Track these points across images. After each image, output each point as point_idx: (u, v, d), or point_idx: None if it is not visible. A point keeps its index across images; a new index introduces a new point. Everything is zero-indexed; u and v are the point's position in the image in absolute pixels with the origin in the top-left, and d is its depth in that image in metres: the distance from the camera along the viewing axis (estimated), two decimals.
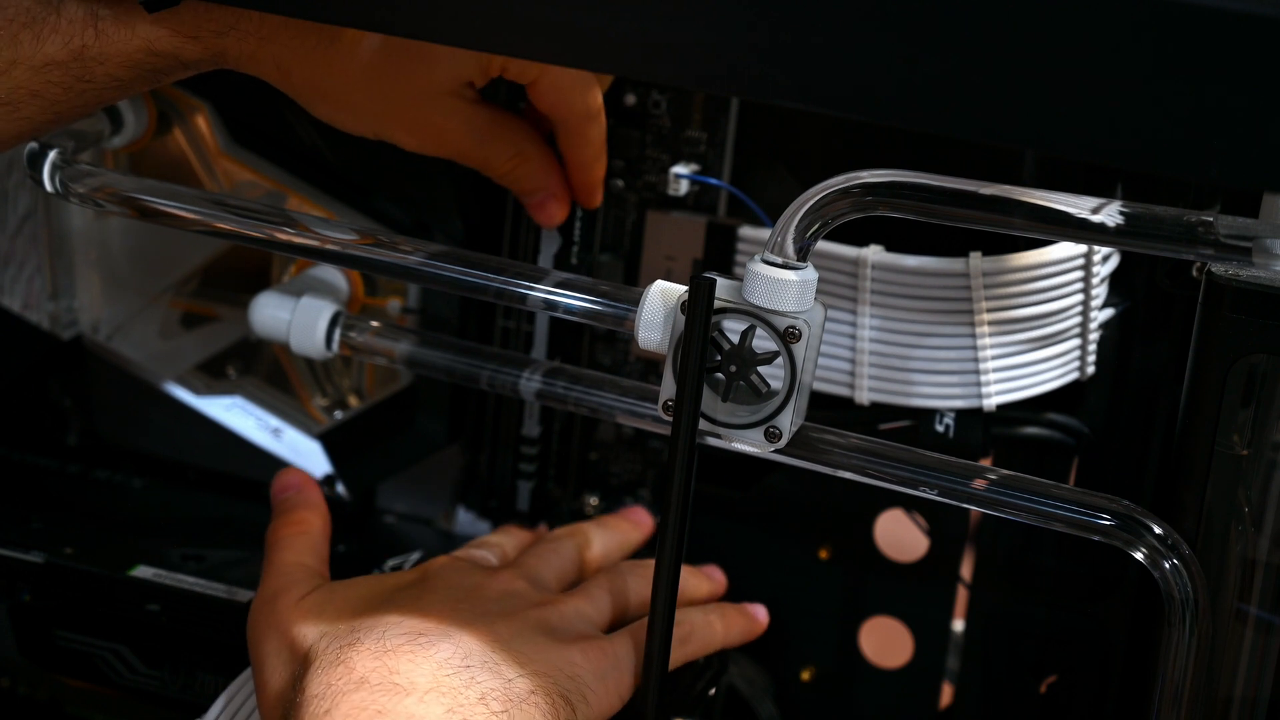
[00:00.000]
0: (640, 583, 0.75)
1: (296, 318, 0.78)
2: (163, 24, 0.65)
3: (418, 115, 0.73)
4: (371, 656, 0.62)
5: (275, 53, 0.69)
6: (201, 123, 0.85)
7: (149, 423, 0.91)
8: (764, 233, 0.78)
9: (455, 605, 0.68)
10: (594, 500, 0.86)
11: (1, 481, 0.91)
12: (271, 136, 0.84)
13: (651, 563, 0.67)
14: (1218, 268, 0.63)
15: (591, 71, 0.75)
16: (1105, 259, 0.75)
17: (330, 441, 0.89)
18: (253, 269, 0.88)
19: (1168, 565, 0.64)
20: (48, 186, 0.74)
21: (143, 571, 0.81)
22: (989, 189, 0.61)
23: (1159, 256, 0.75)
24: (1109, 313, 0.77)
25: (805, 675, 0.83)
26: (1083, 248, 0.74)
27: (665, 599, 0.66)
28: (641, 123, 0.81)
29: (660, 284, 0.66)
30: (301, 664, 0.65)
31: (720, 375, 0.65)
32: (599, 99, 0.76)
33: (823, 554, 0.82)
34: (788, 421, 0.65)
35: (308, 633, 0.66)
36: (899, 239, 0.74)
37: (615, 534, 0.81)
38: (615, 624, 0.74)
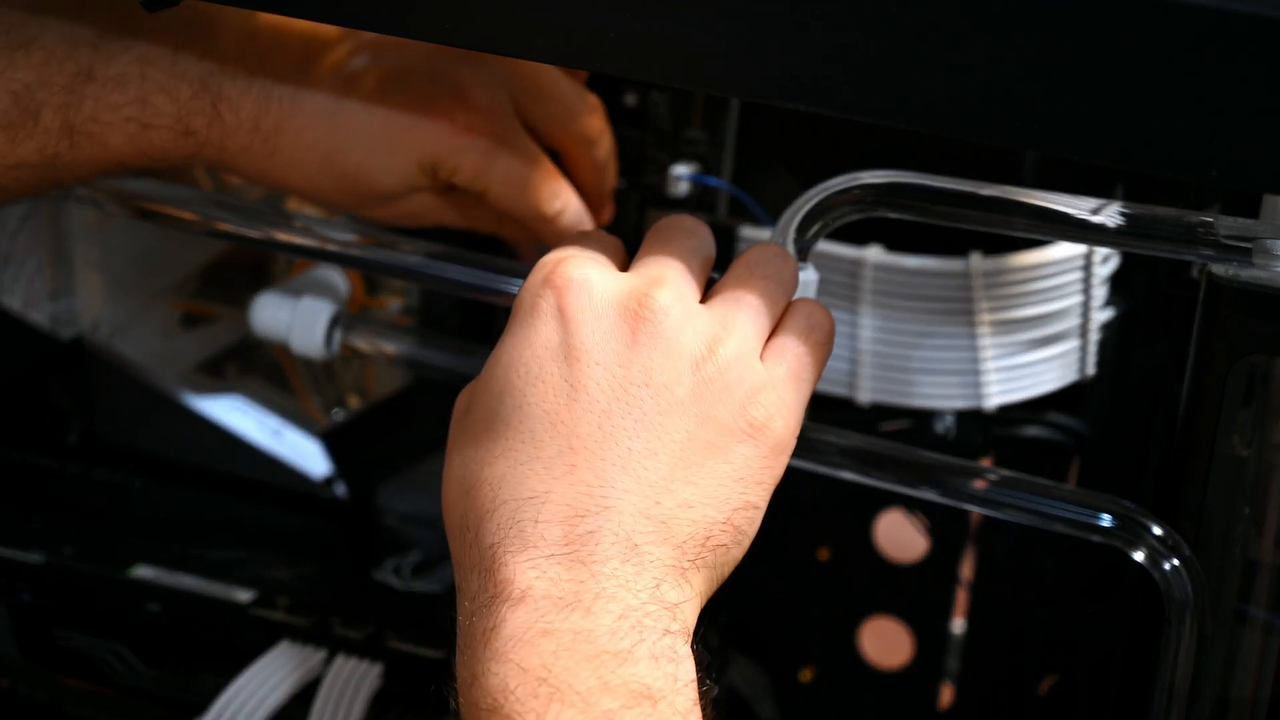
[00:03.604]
0: (766, 283, 0.61)
1: (296, 318, 0.78)
2: (133, 144, 0.68)
3: (383, 208, 0.74)
4: (530, 566, 0.54)
5: (231, 158, 0.71)
6: None
7: (149, 423, 0.91)
8: (764, 233, 0.78)
9: (605, 434, 0.56)
10: None
11: (1, 481, 0.91)
12: None
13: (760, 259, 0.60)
14: (1218, 268, 0.63)
15: (591, 71, 0.75)
16: (1105, 260, 0.75)
17: (330, 441, 0.89)
18: (253, 269, 0.88)
19: (1168, 566, 0.64)
20: None
21: (143, 571, 0.81)
22: (989, 189, 0.61)
23: (1159, 257, 0.75)
24: (1109, 313, 0.77)
25: (805, 675, 0.83)
26: (1083, 248, 0.74)
27: None
28: (641, 123, 0.81)
29: None
30: (465, 547, 0.57)
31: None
32: (594, 124, 0.75)
33: (823, 554, 0.82)
34: None
35: (462, 511, 0.57)
36: (899, 239, 0.74)
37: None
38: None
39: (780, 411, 0.58)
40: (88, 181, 0.71)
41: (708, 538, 0.56)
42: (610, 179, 0.78)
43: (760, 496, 0.57)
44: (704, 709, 0.54)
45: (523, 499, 0.55)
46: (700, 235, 0.62)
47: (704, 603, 0.56)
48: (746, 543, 0.58)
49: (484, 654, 0.53)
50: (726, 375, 0.57)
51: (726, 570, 0.57)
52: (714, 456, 0.56)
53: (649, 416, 0.56)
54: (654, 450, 0.56)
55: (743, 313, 0.58)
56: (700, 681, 0.54)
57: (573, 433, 0.56)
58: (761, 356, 0.59)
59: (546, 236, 0.74)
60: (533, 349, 0.57)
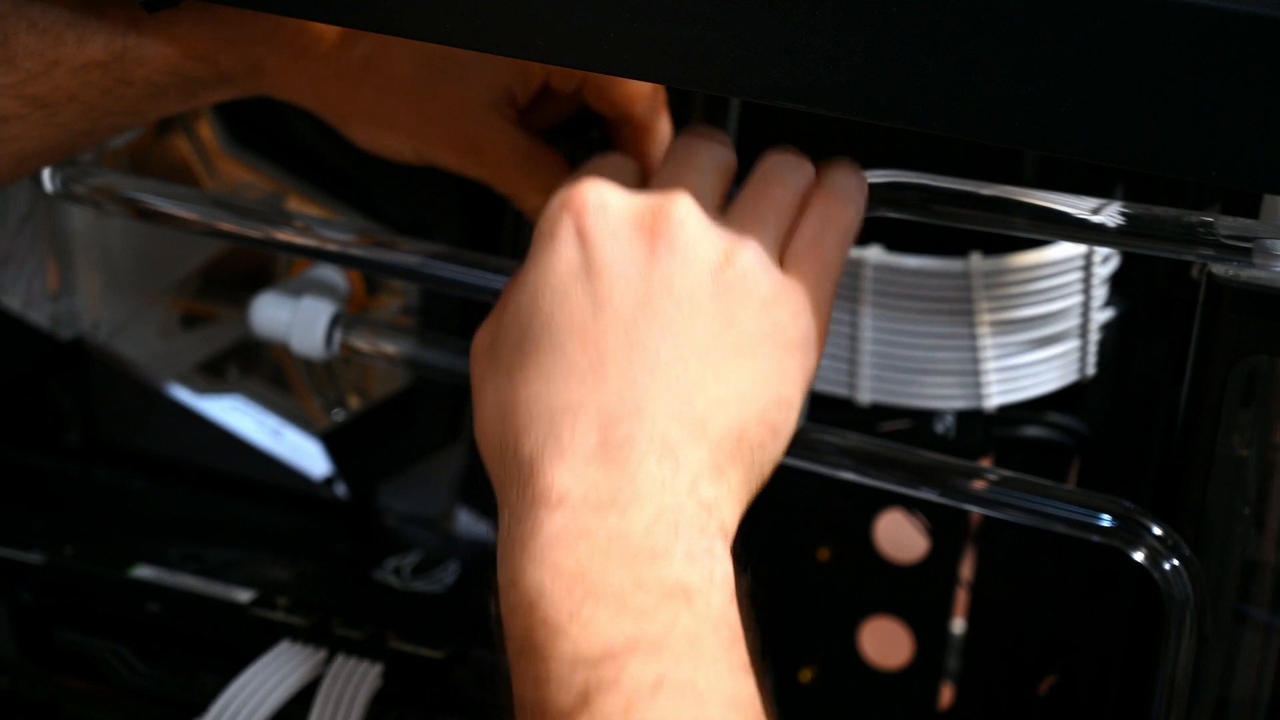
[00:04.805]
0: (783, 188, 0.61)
1: (296, 318, 0.78)
2: (201, 26, 0.65)
3: (457, 131, 0.72)
4: (567, 471, 0.55)
5: (309, 70, 0.69)
6: (202, 123, 0.85)
7: (149, 423, 0.91)
8: None
9: (632, 342, 0.57)
10: None
11: (1, 481, 0.91)
12: (271, 136, 0.84)
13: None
14: (1218, 268, 0.63)
15: (596, 73, 0.75)
16: (1106, 260, 0.75)
17: (330, 441, 0.89)
18: (253, 269, 0.88)
19: (1168, 566, 0.64)
20: (48, 186, 0.74)
21: (143, 571, 0.81)
22: (989, 189, 0.61)
23: (1159, 257, 0.75)
24: (1109, 313, 0.77)
25: (805, 675, 0.83)
26: (1083, 248, 0.74)
27: None
28: None
29: None
30: (502, 463, 0.58)
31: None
32: (662, 92, 0.74)
33: (823, 554, 0.82)
34: None
35: (498, 430, 0.58)
36: (899, 239, 0.74)
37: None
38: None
39: (803, 311, 0.59)
40: (161, 95, 0.67)
41: (742, 435, 0.57)
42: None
43: (793, 392, 0.58)
44: (740, 607, 0.55)
45: (558, 411, 0.56)
46: (718, 147, 0.62)
47: (744, 502, 0.57)
48: (783, 441, 0.59)
49: (521, 558, 0.54)
50: (746, 281, 0.58)
51: (766, 469, 0.58)
52: (741, 357, 0.57)
53: (674, 324, 0.57)
54: (682, 355, 0.57)
55: (759, 221, 0.59)
56: (738, 579, 0.55)
57: (601, 345, 0.57)
58: (781, 260, 0.60)
59: (652, 135, 0.74)
60: (555, 272, 0.58)
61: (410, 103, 0.71)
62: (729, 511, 0.56)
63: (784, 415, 0.58)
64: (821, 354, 0.60)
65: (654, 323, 0.57)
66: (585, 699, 0.51)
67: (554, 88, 0.72)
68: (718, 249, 0.58)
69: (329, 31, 0.68)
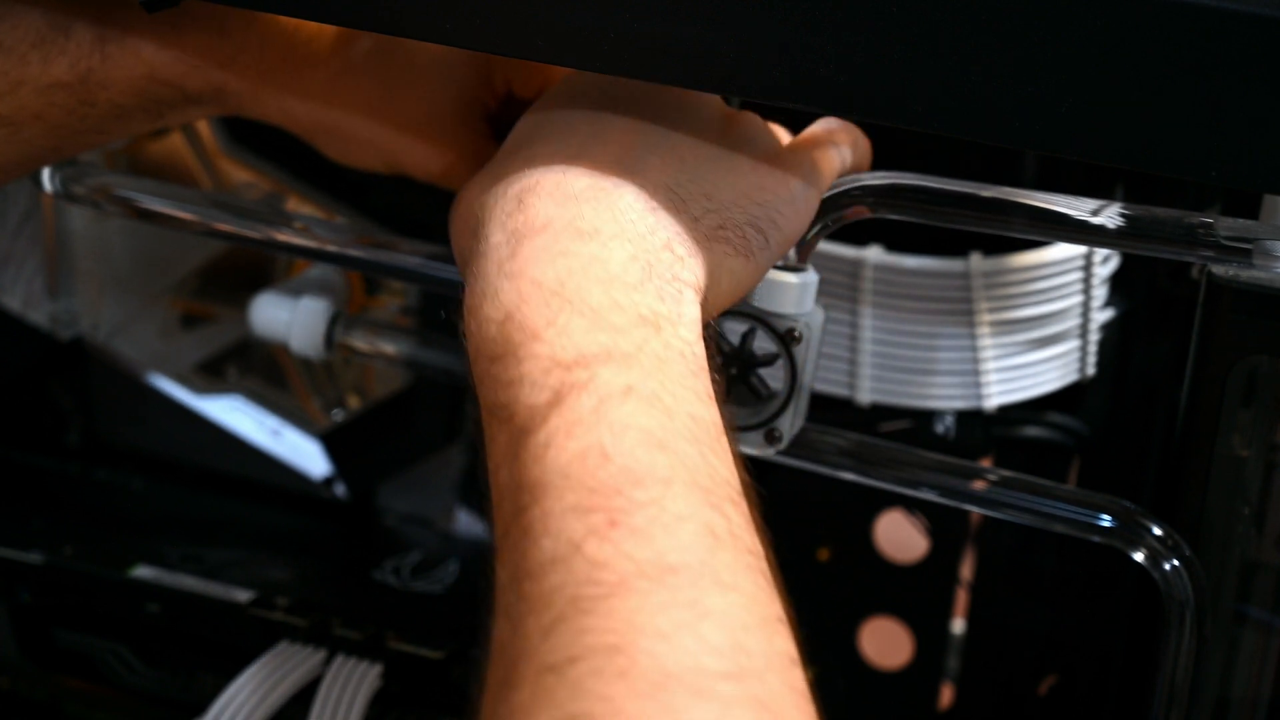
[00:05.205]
0: None
1: (296, 318, 0.78)
2: (166, 50, 0.66)
3: (425, 143, 0.73)
4: (554, 203, 0.58)
5: (274, 92, 0.69)
6: (201, 123, 0.85)
7: (149, 423, 0.91)
8: None
9: (635, 133, 0.61)
10: None
11: (1, 481, 0.91)
12: (271, 136, 0.84)
13: None
14: (1218, 269, 0.63)
15: (593, 72, 0.75)
16: (1105, 260, 0.75)
17: (330, 441, 0.89)
18: (253, 269, 0.88)
19: (1168, 566, 0.64)
20: (47, 187, 0.74)
21: (143, 571, 0.81)
22: (989, 191, 0.61)
23: (1159, 257, 0.75)
24: (1109, 314, 0.77)
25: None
26: (1083, 249, 0.74)
27: None
28: None
29: None
30: (478, 222, 0.61)
31: (720, 377, 0.65)
32: None
33: (823, 554, 0.82)
34: (788, 423, 0.65)
35: (484, 195, 0.61)
36: (899, 239, 0.74)
37: None
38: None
39: (802, 173, 0.63)
40: (126, 116, 0.68)
41: (720, 228, 0.59)
42: None
43: (770, 227, 0.61)
44: (710, 366, 0.56)
45: (553, 164, 0.59)
46: None
47: (707, 300, 0.59)
48: (755, 268, 0.61)
49: (498, 276, 0.56)
50: (752, 127, 0.63)
51: (727, 285, 0.60)
52: (735, 174, 0.61)
53: (678, 129, 0.61)
54: (680, 154, 0.60)
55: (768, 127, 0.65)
56: (708, 346, 0.57)
57: (605, 125, 0.61)
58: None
59: None
60: (561, 110, 0.62)
61: (377, 119, 0.71)
62: (695, 271, 0.58)
63: (760, 240, 0.60)
64: (814, 212, 0.63)
65: (661, 123, 0.61)
66: (558, 397, 0.52)
67: (518, 95, 0.73)
68: (723, 105, 0.63)
69: (292, 55, 0.69)
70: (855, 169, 0.67)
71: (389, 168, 0.73)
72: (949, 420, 0.77)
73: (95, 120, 0.67)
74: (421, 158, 0.73)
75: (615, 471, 0.50)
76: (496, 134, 0.73)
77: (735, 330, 0.64)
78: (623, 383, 0.53)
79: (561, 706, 0.46)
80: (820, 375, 0.76)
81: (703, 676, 0.47)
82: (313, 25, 0.68)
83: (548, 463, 0.51)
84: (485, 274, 0.56)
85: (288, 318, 0.78)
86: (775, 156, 0.63)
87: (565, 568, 0.49)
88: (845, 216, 0.63)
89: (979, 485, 0.66)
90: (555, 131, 0.61)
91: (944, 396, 0.76)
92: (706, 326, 0.58)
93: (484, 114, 0.73)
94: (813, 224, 0.62)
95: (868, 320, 0.75)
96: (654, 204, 0.58)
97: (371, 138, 0.72)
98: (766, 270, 0.62)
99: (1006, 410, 0.77)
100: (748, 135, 0.63)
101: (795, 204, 0.62)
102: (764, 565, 0.53)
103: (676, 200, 0.59)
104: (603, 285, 0.55)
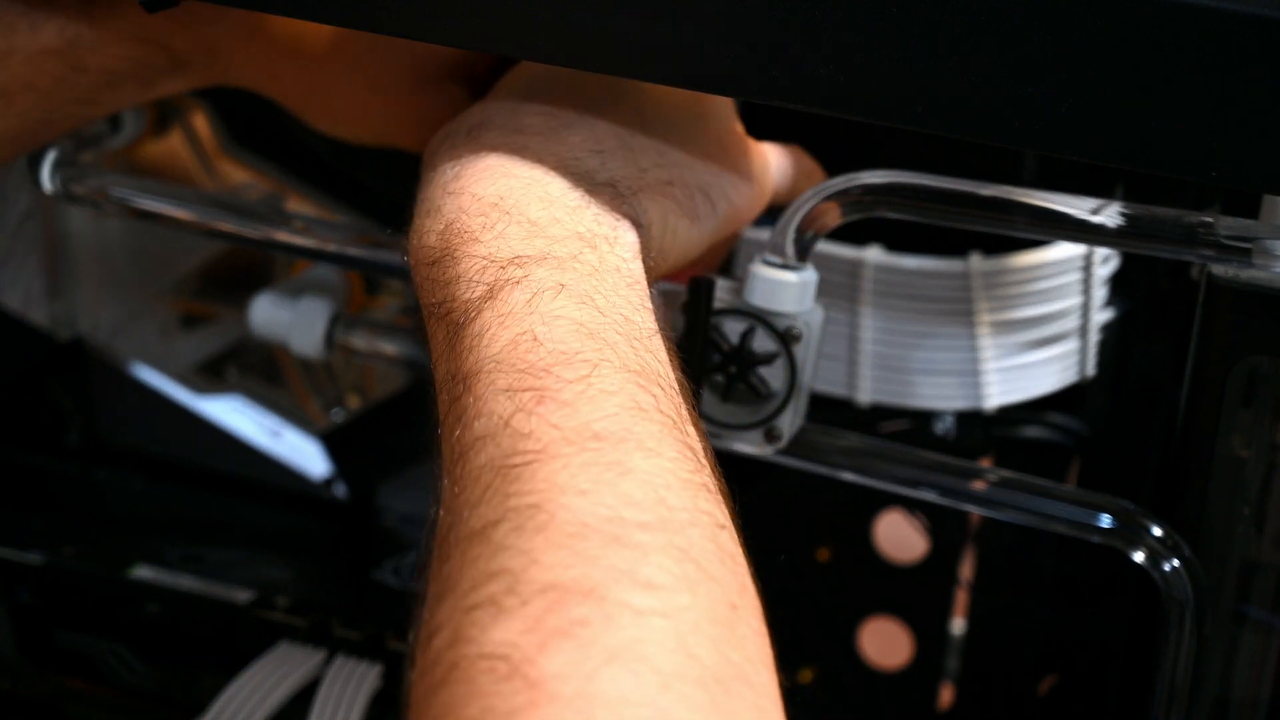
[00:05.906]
0: None
1: (296, 318, 0.78)
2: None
3: (414, 106, 0.72)
4: (501, 135, 0.60)
5: (264, 50, 0.69)
6: (201, 123, 0.85)
7: (149, 423, 0.91)
8: (764, 233, 0.78)
9: (599, 85, 0.63)
10: None
11: (1, 481, 0.91)
12: (271, 136, 0.84)
13: None
14: (1218, 269, 0.63)
15: (591, 72, 0.75)
16: (1106, 260, 0.75)
17: (330, 441, 0.89)
18: (252, 269, 0.88)
19: (1168, 566, 0.64)
20: (47, 187, 0.74)
21: (142, 571, 0.81)
22: (989, 190, 0.61)
23: (1159, 257, 0.75)
24: (1109, 314, 0.77)
25: (805, 675, 0.83)
26: (1083, 248, 0.74)
27: None
28: None
29: (660, 284, 0.66)
30: (432, 155, 0.63)
31: (720, 376, 0.65)
32: None
33: (823, 554, 0.82)
34: (788, 422, 0.65)
35: (442, 132, 0.63)
36: (899, 239, 0.74)
37: None
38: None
39: (761, 164, 0.66)
40: (116, 82, 0.68)
41: (668, 184, 0.61)
42: None
43: (729, 197, 0.64)
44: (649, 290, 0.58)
45: (508, 102, 0.62)
46: None
47: (648, 249, 0.60)
48: (700, 234, 0.63)
49: (440, 196, 0.58)
50: (722, 109, 0.65)
51: (669, 242, 0.62)
52: (695, 140, 0.63)
53: (647, 103, 0.63)
54: (641, 109, 0.63)
55: None
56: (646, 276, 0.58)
57: (574, 77, 0.62)
58: None
59: None
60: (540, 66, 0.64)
61: (367, 79, 0.71)
62: (637, 219, 0.59)
63: (705, 205, 0.63)
64: (763, 206, 0.66)
65: (637, 93, 0.63)
66: (492, 292, 0.54)
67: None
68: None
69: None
70: (790, 195, 0.69)
71: (377, 136, 0.73)
72: (949, 420, 0.77)
73: (86, 88, 0.67)
74: (410, 121, 0.73)
75: (545, 354, 0.51)
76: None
77: (735, 329, 0.64)
78: (556, 280, 0.54)
79: (483, 566, 0.47)
80: (820, 375, 0.76)
81: (620, 525, 0.47)
82: None
83: (480, 351, 0.53)
84: (429, 196, 0.58)
85: (287, 318, 0.78)
86: (738, 140, 0.65)
87: (494, 443, 0.50)
88: (845, 216, 0.63)
89: (979, 485, 0.66)
90: (524, 81, 0.63)
91: (944, 397, 0.76)
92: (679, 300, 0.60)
93: (473, 77, 0.73)
94: (812, 224, 0.62)
95: (867, 320, 0.75)
96: (602, 147, 0.60)
97: (362, 101, 0.72)
98: (711, 242, 0.63)
99: (1006, 410, 0.77)
100: (715, 114, 0.64)
101: (750, 186, 0.64)
102: (696, 446, 0.53)
103: (626, 149, 0.61)
104: (542, 203, 0.57)
